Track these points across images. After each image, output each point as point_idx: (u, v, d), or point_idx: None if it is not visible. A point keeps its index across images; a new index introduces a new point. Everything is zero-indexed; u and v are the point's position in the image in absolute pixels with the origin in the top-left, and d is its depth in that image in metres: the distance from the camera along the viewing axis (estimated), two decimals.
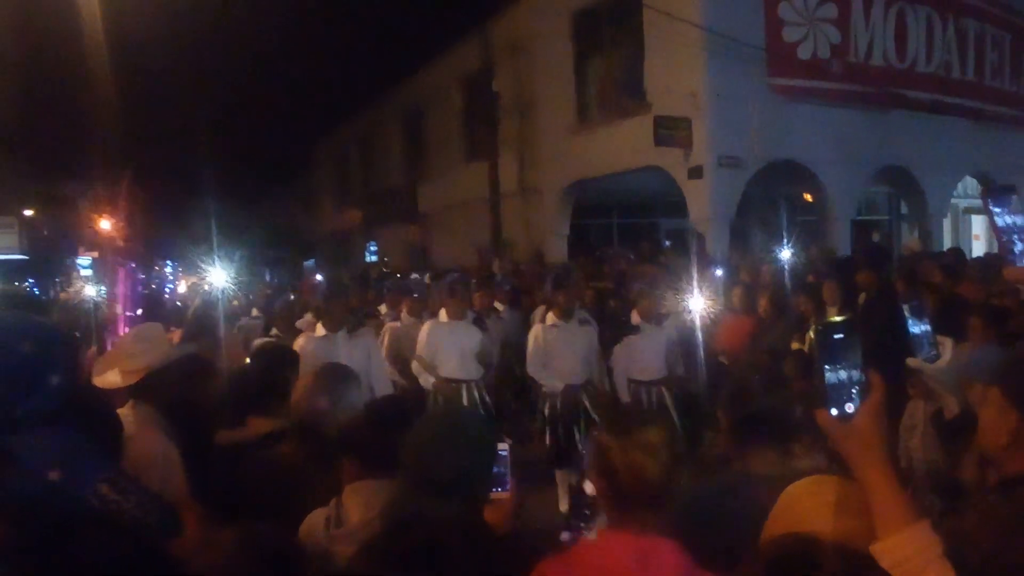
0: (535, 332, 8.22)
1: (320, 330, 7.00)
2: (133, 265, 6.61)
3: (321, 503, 2.98)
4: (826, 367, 1.75)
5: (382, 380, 7.20)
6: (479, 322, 8.66)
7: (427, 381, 8.12)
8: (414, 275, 14.84)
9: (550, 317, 8.17)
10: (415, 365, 8.24)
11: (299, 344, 6.66)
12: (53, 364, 2.19)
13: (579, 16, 19.74)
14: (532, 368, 8.16)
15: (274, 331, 8.76)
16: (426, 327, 8.22)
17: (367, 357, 6.90)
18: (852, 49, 17.91)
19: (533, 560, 2.36)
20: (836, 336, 1.76)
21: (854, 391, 1.73)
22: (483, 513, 2.63)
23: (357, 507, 2.85)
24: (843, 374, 1.74)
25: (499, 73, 21.87)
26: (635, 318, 8.29)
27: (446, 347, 8.10)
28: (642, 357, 8.09)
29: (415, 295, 9.56)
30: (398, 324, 9.17)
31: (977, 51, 20.56)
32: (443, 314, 8.20)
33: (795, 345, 8.20)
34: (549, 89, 20.76)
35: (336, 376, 3.70)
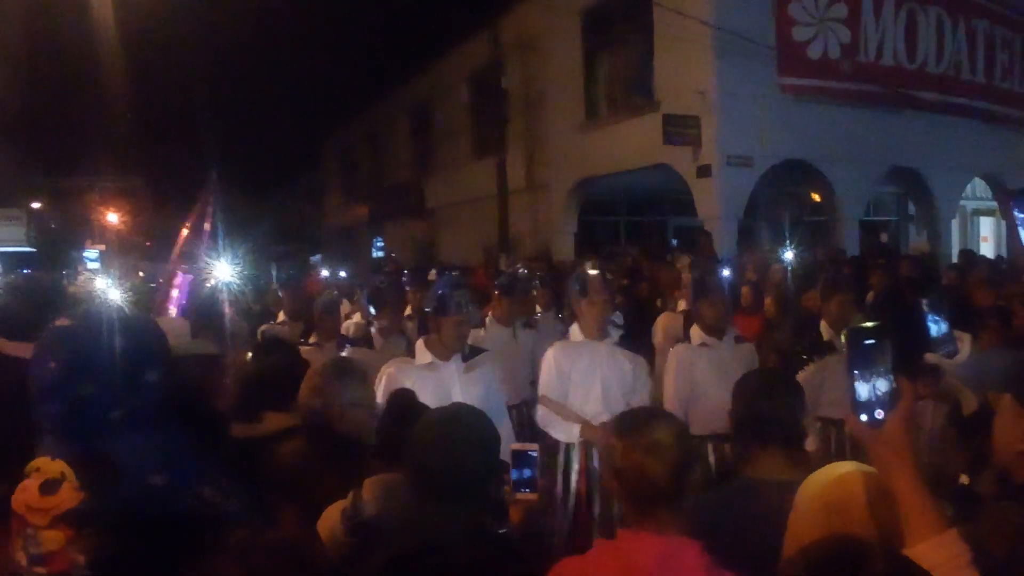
0: (674, 357, 5.99)
1: (424, 355, 5.04)
2: (190, 276, 6.45)
3: (328, 499, 2.97)
4: (855, 372, 1.74)
5: (503, 428, 4.59)
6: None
7: (569, 431, 5.60)
8: (519, 268, 12.60)
9: (696, 333, 5.99)
10: (541, 411, 5.71)
11: (388, 373, 4.92)
12: (149, 361, 2.10)
13: (588, 13, 19.73)
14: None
15: (313, 339, 7.28)
16: (552, 353, 5.73)
17: (485, 396, 4.96)
18: (862, 49, 17.84)
19: (548, 561, 2.35)
20: (867, 342, 1.75)
21: (885, 397, 1.72)
22: (485, 514, 2.62)
23: (375, 500, 2.85)
24: (874, 380, 1.72)
25: (508, 70, 21.86)
26: (827, 332, 6.17)
27: (584, 379, 5.64)
28: (838, 386, 4.99)
29: (515, 294, 7.66)
30: (481, 332, 7.19)
31: (987, 52, 20.46)
32: (575, 331, 5.74)
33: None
34: (558, 86, 20.76)
35: (340, 372, 3.68)
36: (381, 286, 6.87)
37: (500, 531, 2.63)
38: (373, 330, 6.91)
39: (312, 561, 2.10)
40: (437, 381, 4.85)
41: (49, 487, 1.90)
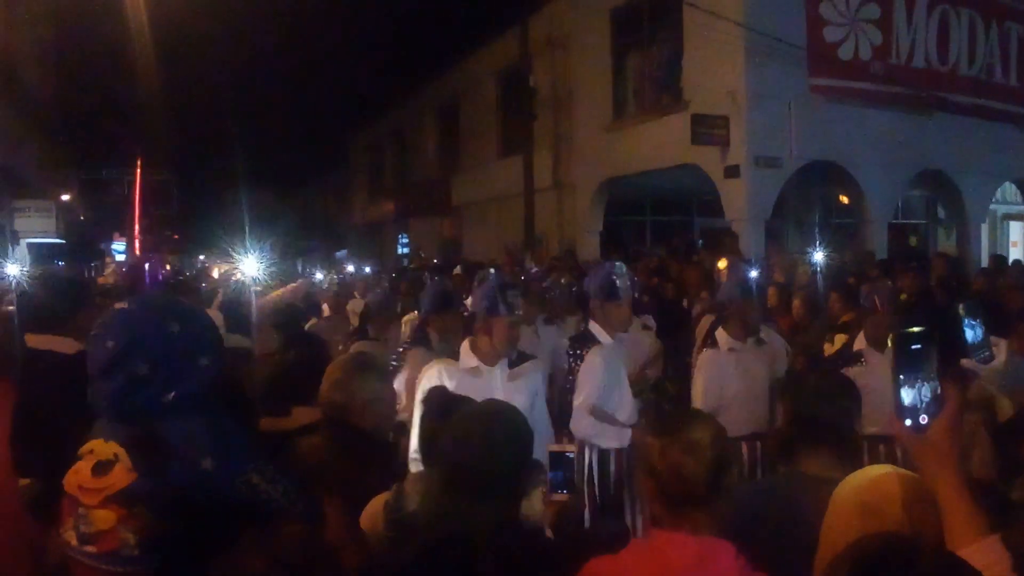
0: (705, 363, 5.86)
1: (468, 358, 4.68)
2: (154, 258, 6.50)
3: (349, 493, 2.98)
4: (901, 377, 1.73)
5: (544, 434, 4.70)
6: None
7: (622, 436, 5.28)
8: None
9: (723, 338, 5.89)
10: (588, 421, 5.22)
11: (429, 376, 4.61)
12: (202, 345, 2.14)
13: (618, 12, 19.70)
14: None
15: (372, 334, 7.28)
16: (599, 360, 5.32)
17: (530, 404, 4.70)
18: (893, 51, 17.72)
19: (581, 560, 2.35)
20: (914, 347, 1.74)
21: (929, 402, 1.72)
22: (516, 510, 2.62)
23: (416, 495, 2.86)
24: (920, 385, 1.72)
25: (536, 68, 21.82)
26: (860, 342, 5.96)
27: (618, 383, 5.48)
28: (868, 400, 4.72)
29: (530, 295, 7.36)
30: None
31: (1020, 55, 20.21)
32: (601, 332, 5.47)
33: (827, 347, 8.10)
34: (586, 85, 20.75)
35: (361, 366, 3.66)
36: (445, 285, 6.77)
37: (531, 528, 2.63)
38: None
39: (337, 553, 2.12)
40: (479, 389, 4.34)
41: (102, 468, 1.94)
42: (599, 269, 5.96)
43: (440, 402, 3.20)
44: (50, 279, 4.54)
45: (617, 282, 5.43)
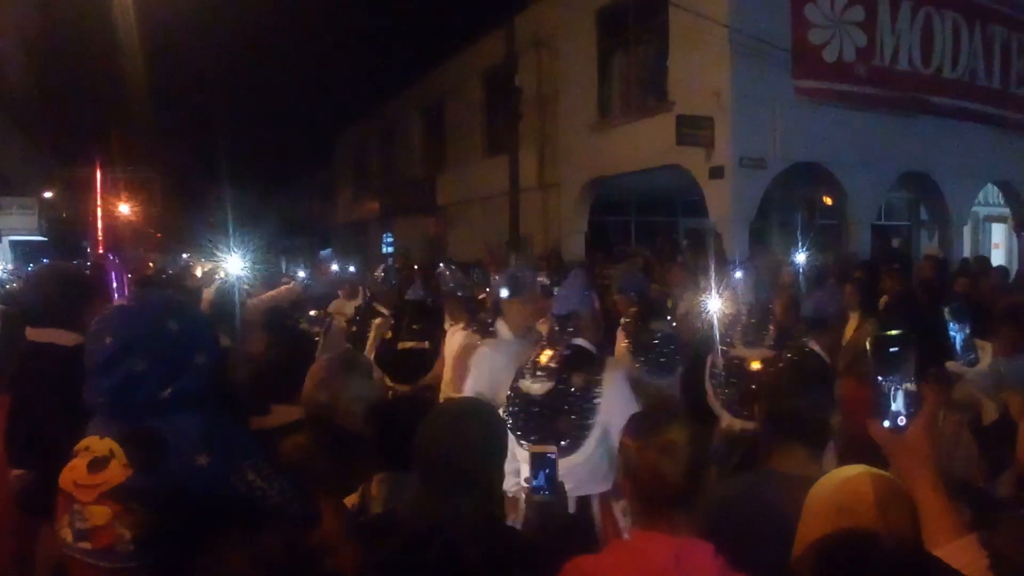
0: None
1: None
2: (112, 256, 6.45)
3: (332, 493, 2.97)
4: (880, 379, 1.75)
5: None
6: None
7: None
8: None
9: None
10: None
11: (615, 380, 4.27)
12: (199, 343, 2.16)
13: (604, 12, 19.73)
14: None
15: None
16: (488, 352, 5.38)
17: None
18: (878, 53, 17.80)
19: (561, 559, 2.35)
20: (892, 349, 1.76)
21: (907, 404, 1.74)
22: (501, 509, 2.62)
23: (381, 498, 2.86)
24: (898, 387, 1.74)
25: (522, 68, 21.81)
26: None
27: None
28: None
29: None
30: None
31: (1003, 58, 20.37)
32: (504, 329, 5.52)
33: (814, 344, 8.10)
34: (572, 85, 20.78)
35: (346, 366, 3.65)
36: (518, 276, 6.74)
37: (509, 524, 2.63)
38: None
39: (323, 554, 2.12)
40: None
41: (97, 465, 1.94)
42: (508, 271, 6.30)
43: (387, 408, 3.22)
44: (57, 274, 4.53)
45: (519, 281, 5.55)
